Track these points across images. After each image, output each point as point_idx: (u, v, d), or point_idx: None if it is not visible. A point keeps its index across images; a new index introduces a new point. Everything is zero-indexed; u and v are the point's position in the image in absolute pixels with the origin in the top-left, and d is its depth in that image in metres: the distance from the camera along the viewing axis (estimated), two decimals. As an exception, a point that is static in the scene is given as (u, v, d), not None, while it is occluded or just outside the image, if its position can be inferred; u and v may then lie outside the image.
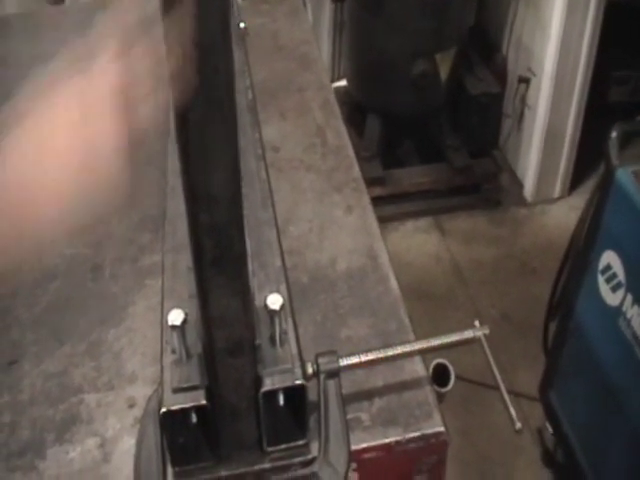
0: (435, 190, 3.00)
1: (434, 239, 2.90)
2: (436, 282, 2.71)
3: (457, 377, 2.12)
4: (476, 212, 3.00)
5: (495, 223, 2.97)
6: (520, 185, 3.08)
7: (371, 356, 0.88)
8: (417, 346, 0.90)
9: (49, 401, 0.95)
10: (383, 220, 2.82)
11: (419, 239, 2.90)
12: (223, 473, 0.80)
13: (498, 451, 2.16)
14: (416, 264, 2.77)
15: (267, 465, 0.82)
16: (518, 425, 0.83)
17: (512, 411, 0.83)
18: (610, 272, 1.59)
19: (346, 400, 0.88)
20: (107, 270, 1.14)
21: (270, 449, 0.82)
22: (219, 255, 0.72)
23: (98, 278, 1.12)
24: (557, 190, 3.03)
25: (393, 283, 1.11)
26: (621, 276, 1.55)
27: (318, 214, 1.24)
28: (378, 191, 2.85)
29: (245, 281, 0.77)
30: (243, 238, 0.74)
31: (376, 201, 2.71)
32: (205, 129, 0.65)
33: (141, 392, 0.93)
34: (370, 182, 2.81)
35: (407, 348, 0.89)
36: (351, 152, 1.39)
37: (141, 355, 1.00)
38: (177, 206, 0.94)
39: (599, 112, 2.77)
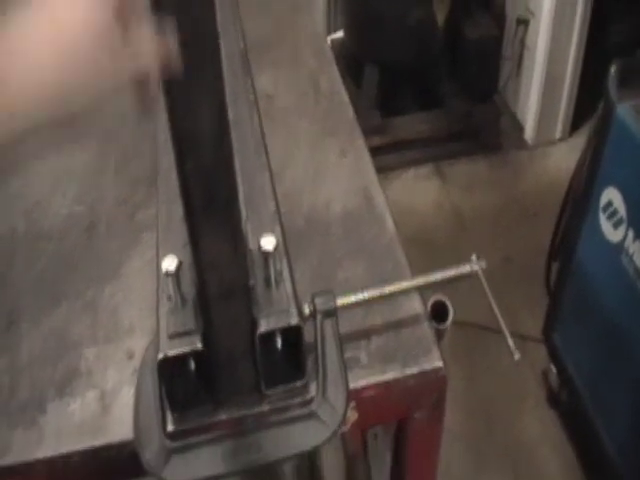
0: (435, 137, 2.97)
1: (435, 186, 2.88)
2: (438, 229, 2.70)
3: (459, 322, 2.14)
4: (477, 157, 2.98)
5: (496, 167, 2.94)
6: (520, 128, 3.05)
7: (368, 294, 0.87)
8: (414, 282, 0.89)
9: (48, 360, 0.94)
10: (383, 169, 2.83)
11: (420, 187, 2.88)
12: (222, 417, 0.80)
13: (503, 394, 2.17)
14: (417, 212, 2.76)
15: (266, 407, 0.81)
16: (517, 355, 0.82)
17: (510, 341, 0.83)
18: (611, 209, 1.58)
19: (344, 339, 0.87)
20: (102, 227, 1.13)
21: (268, 391, 0.81)
22: (209, 200, 0.71)
23: (93, 236, 1.12)
24: (558, 132, 3.00)
25: (389, 224, 1.09)
26: (622, 212, 1.54)
27: (312, 159, 1.23)
28: (377, 140, 2.82)
29: (237, 224, 0.76)
30: (233, 182, 0.73)
31: (376, 150, 2.70)
32: (189, 70, 0.63)
33: (139, 343, 0.92)
34: (369, 131, 2.79)
35: (404, 285, 0.88)
36: (345, 97, 1.37)
37: (138, 309, 0.99)
38: (170, 159, 0.93)
39: (599, 52, 2.72)
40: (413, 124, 2.96)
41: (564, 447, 2.04)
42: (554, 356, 1.97)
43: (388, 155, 2.90)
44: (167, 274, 0.78)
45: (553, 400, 2.10)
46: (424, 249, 2.53)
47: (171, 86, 0.63)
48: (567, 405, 2.01)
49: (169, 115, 0.65)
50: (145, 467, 0.74)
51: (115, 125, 1.30)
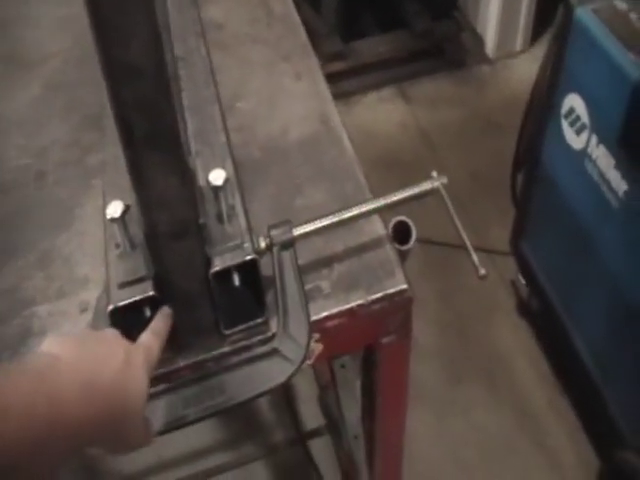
0: (397, 58, 2.91)
1: (399, 107, 2.84)
2: (404, 149, 2.67)
3: (428, 241, 2.13)
4: (439, 75, 2.93)
5: (459, 84, 2.90)
6: (482, 43, 2.99)
7: (326, 221, 0.84)
8: (373, 205, 0.86)
9: (1, 319, 0.91)
10: (346, 94, 2.79)
11: (384, 109, 2.84)
12: (182, 363, 0.78)
13: (475, 309, 2.19)
14: (382, 134, 2.72)
15: (226, 348, 0.79)
16: (482, 271, 0.80)
17: (474, 257, 0.81)
18: (574, 115, 1.55)
19: (305, 270, 0.85)
20: (51, 176, 1.08)
21: (228, 332, 0.79)
22: (150, 131, 0.67)
23: (43, 186, 1.07)
24: (519, 43, 2.96)
25: (347, 145, 1.06)
26: (585, 118, 1.52)
27: (267, 85, 1.19)
28: (339, 66, 2.77)
29: (182, 157, 0.72)
30: (174, 111, 0.69)
31: (338, 76, 2.69)
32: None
33: (93, 295, 0.89)
34: (330, 57, 2.76)
35: (363, 208, 0.85)
36: (297, 19, 1.32)
37: (91, 257, 0.95)
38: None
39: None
40: (374, 47, 2.89)
41: (537, 355, 2.08)
42: (522, 266, 1.98)
43: (350, 80, 2.85)
44: (112, 220, 0.74)
45: (523, 309, 2.12)
46: (391, 171, 2.51)
47: (101, 11, 0.58)
48: (537, 313, 2.03)
49: (98, 43, 0.61)
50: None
51: (60, 68, 1.25)
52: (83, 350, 0.64)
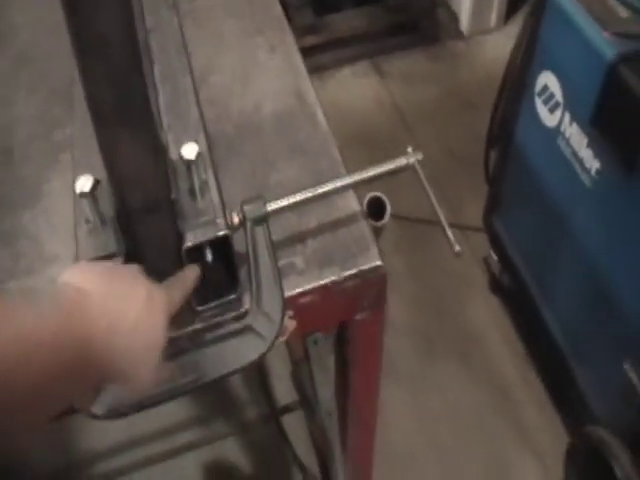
0: (371, 32, 2.89)
1: (373, 82, 2.83)
2: (378, 126, 2.66)
3: (402, 217, 2.13)
4: (414, 50, 2.92)
5: (433, 60, 2.89)
6: (456, 19, 2.99)
7: (299, 196, 0.83)
8: (348, 180, 0.85)
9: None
10: (319, 69, 2.76)
11: (358, 84, 2.82)
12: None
13: (449, 286, 2.20)
14: (357, 110, 2.71)
15: (199, 325, 0.78)
16: (457, 247, 0.80)
17: (449, 233, 0.81)
18: (547, 93, 1.55)
19: (279, 246, 0.84)
20: (18, 152, 1.06)
21: (200, 308, 0.78)
22: (119, 105, 0.66)
23: (8, 162, 1.04)
24: (493, 20, 2.95)
25: (321, 120, 1.05)
26: (558, 96, 1.52)
27: (240, 59, 1.17)
28: (312, 40, 2.74)
29: (153, 132, 0.71)
30: (145, 85, 0.68)
31: (311, 50, 2.66)
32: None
33: (63, 271, 0.88)
34: (303, 31, 2.73)
35: (337, 183, 0.85)
36: (272, -9, 1.30)
37: (61, 233, 0.93)
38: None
39: None
40: (348, 21, 2.87)
41: (509, 331, 2.10)
42: (494, 242, 1.99)
43: (324, 54, 2.82)
44: (82, 195, 0.73)
45: (495, 285, 2.14)
46: (365, 146, 2.50)
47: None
48: (509, 289, 2.05)
49: (66, 13, 0.60)
50: (74, 404, 0.71)
51: (29, 41, 1.22)
52: (111, 287, 0.65)
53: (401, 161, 0.86)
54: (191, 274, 0.75)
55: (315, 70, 2.72)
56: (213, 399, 1.93)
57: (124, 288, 0.66)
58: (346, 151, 1.03)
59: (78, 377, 0.59)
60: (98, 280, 0.65)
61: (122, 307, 0.64)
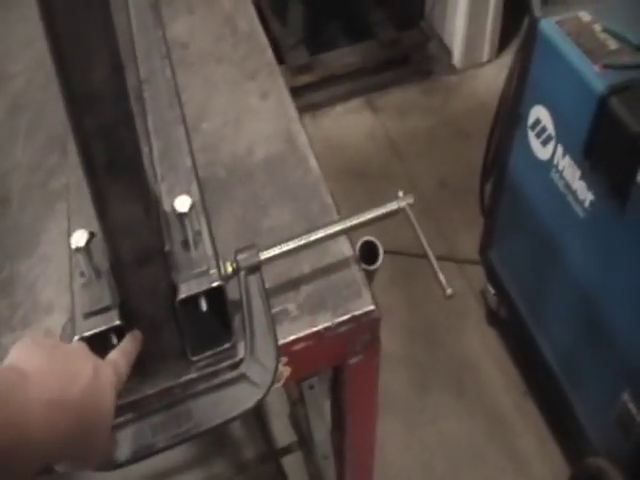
0: (364, 69, 2.91)
1: (367, 118, 2.85)
2: (372, 160, 2.68)
3: (397, 252, 2.13)
4: (407, 85, 2.95)
5: (426, 93, 2.92)
6: (449, 53, 3.02)
7: (292, 244, 0.84)
8: (340, 226, 0.86)
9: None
10: (314, 107, 2.79)
11: (352, 120, 2.85)
12: (149, 391, 0.77)
13: (444, 318, 2.20)
14: (350, 145, 2.73)
15: (194, 375, 0.79)
16: (449, 291, 0.81)
17: (441, 277, 0.81)
18: (540, 126, 1.57)
19: (271, 292, 0.85)
20: (15, 200, 1.07)
21: (195, 358, 0.79)
22: (111, 159, 0.67)
23: (6, 211, 1.05)
24: (485, 53, 2.98)
25: (313, 164, 1.06)
26: (550, 129, 1.53)
27: (232, 105, 1.18)
28: (306, 78, 2.76)
29: (145, 185, 0.72)
30: (136, 140, 0.69)
31: (305, 88, 2.68)
32: (75, 21, 0.58)
33: (58, 322, 0.88)
34: (297, 70, 2.76)
35: (329, 230, 0.86)
36: (263, 37, 1.32)
37: (56, 283, 0.94)
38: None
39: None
40: (341, 58, 2.90)
41: (506, 363, 2.10)
42: (491, 275, 2.00)
43: (317, 92, 2.84)
44: (77, 250, 0.74)
45: (492, 318, 2.14)
46: (359, 181, 2.52)
47: (60, 41, 0.58)
48: (506, 322, 2.05)
49: (58, 72, 0.61)
50: None
51: (23, 89, 1.23)
52: (52, 365, 0.63)
53: (392, 205, 0.87)
54: (131, 343, 0.75)
55: (309, 108, 2.75)
56: (210, 440, 1.92)
57: (68, 365, 0.64)
58: (339, 186, 1.04)
59: (16, 462, 0.56)
60: (41, 359, 0.63)
61: (64, 385, 0.62)
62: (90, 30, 0.59)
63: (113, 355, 0.72)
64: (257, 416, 1.79)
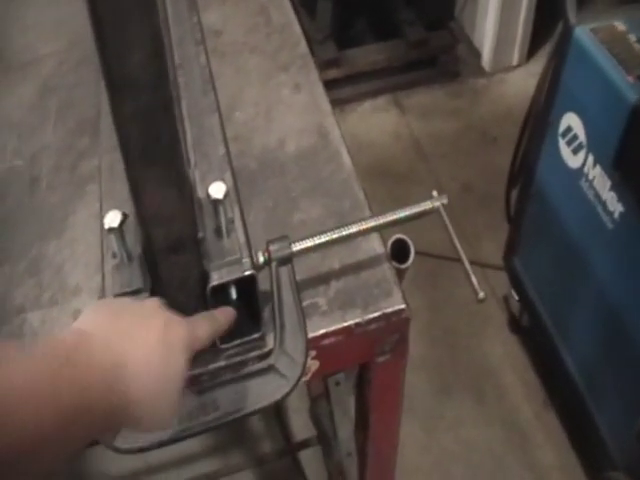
0: (392, 67, 2.91)
1: (393, 117, 2.85)
2: (397, 159, 2.67)
3: (422, 253, 2.13)
4: (434, 86, 2.94)
5: (454, 95, 2.91)
6: (478, 55, 3.01)
7: (324, 238, 0.83)
8: (372, 223, 0.85)
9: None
10: (340, 102, 2.78)
11: (378, 118, 2.84)
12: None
13: (466, 322, 2.19)
14: (376, 143, 2.72)
15: (222, 363, 0.78)
16: (481, 294, 0.80)
17: (474, 280, 0.80)
18: (571, 134, 1.56)
19: (302, 286, 0.84)
20: (44, 181, 1.07)
21: (224, 346, 0.78)
22: (148, 144, 0.66)
23: (35, 191, 1.06)
24: (515, 58, 2.97)
25: (345, 159, 1.05)
26: (582, 137, 1.52)
27: (265, 96, 1.18)
28: (334, 73, 2.78)
29: (180, 171, 0.71)
30: (173, 124, 0.68)
31: (332, 83, 2.68)
32: (117, 4, 0.57)
33: (86, 304, 0.88)
34: (325, 64, 2.76)
35: (362, 226, 0.85)
36: (297, 29, 1.31)
37: (84, 266, 0.94)
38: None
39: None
40: (369, 55, 2.90)
41: (527, 370, 2.08)
42: (515, 282, 1.98)
43: (344, 87, 2.85)
44: (110, 230, 0.73)
45: (515, 325, 2.12)
46: (384, 180, 2.51)
47: (103, 24, 0.57)
48: (529, 329, 2.04)
49: (101, 56, 0.60)
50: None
51: (55, 70, 1.23)
52: (117, 325, 0.61)
53: (426, 205, 0.86)
54: (224, 315, 0.73)
55: (336, 103, 2.74)
56: (229, 431, 1.93)
57: (134, 324, 0.62)
58: (364, 183, 1.03)
59: (80, 426, 0.54)
60: (106, 319, 0.62)
61: (129, 346, 0.60)
62: (132, 14, 0.58)
63: (197, 317, 0.70)
64: (276, 409, 1.79)
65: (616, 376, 1.58)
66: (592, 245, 1.56)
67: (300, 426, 1.89)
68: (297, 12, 1.38)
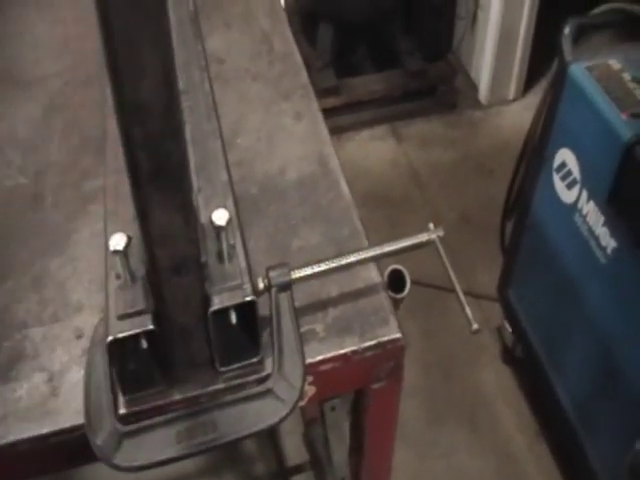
0: (390, 96, 2.95)
1: (390, 146, 2.88)
2: (394, 188, 2.70)
3: (417, 282, 2.15)
4: (432, 116, 2.98)
5: (451, 126, 2.94)
6: (475, 87, 3.05)
7: (323, 266, 0.85)
8: (371, 253, 0.87)
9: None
10: (339, 130, 2.81)
11: (375, 147, 2.87)
12: (176, 397, 0.78)
13: (460, 351, 2.20)
14: (373, 171, 2.75)
15: (221, 385, 0.80)
16: (475, 326, 0.81)
17: (468, 312, 0.82)
18: (565, 169, 1.58)
19: (300, 312, 0.85)
20: (48, 199, 1.08)
21: (223, 369, 0.80)
22: (156, 169, 0.68)
23: (39, 208, 1.07)
24: (512, 91, 3.01)
25: (344, 188, 1.07)
26: (576, 173, 1.54)
27: (266, 123, 1.20)
28: (332, 101, 2.81)
29: (186, 196, 0.73)
30: (182, 150, 0.70)
31: (331, 111, 2.72)
32: (131, 32, 0.59)
33: (88, 321, 0.89)
34: (324, 92, 2.79)
35: (360, 255, 0.87)
36: (299, 58, 1.34)
37: (87, 283, 0.95)
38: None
39: (553, 11, 2.72)
40: (368, 84, 2.93)
41: (520, 401, 2.09)
42: (508, 313, 2.00)
43: (343, 116, 2.89)
44: (115, 252, 0.75)
45: (508, 356, 2.14)
46: (380, 207, 2.54)
47: (115, 50, 0.59)
48: (522, 360, 2.05)
49: (112, 80, 0.62)
50: (96, 453, 0.72)
51: (60, 89, 1.25)
52: None
53: (422, 237, 0.88)
54: None
55: (335, 131, 2.74)
56: (222, 452, 1.92)
57: None
58: (362, 209, 1.05)
59: None
60: None
61: None
62: (145, 42, 0.60)
63: None
64: (269, 433, 1.79)
65: (608, 409, 1.59)
66: (585, 279, 1.58)
67: (293, 449, 1.89)
68: (297, 39, 1.40)
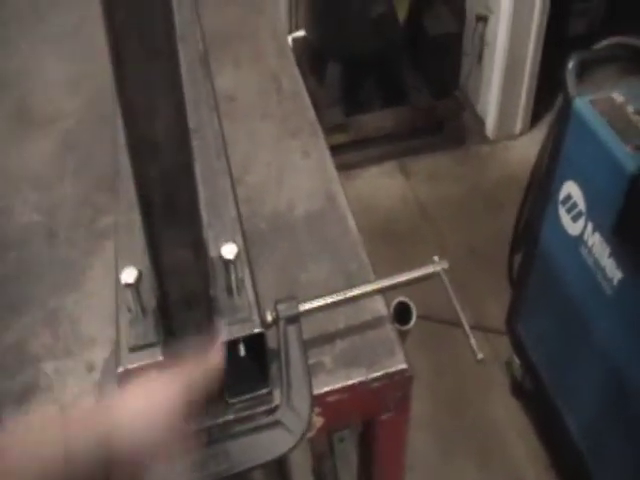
0: (398, 133, 2.97)
1: (399, 182, 2.90)
2: (402, 223, 2.71)
3: (427, 318, 2.15)
4: (439, 152, 3.00)
5: (459, 162, 2.97)
6: (482, 123, 3.07)
7: (330, 299, 0.87)
8: (377, 285, 0.89)
9: (6, 373, 0.93)
10: (347, 167, 2.84)
11: (384, 183, 2.89)
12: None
13: (469, 385, 2.19)
14: (382, 207, 2.77)
15: (231, 416, 0.81)
16: (480, 355, 0.83)
17: (473, 341, 0.83)
18: (571, 202, 1.59)
19: (308, 344, 0.87)
20: (63, 235, 1.11)
21: (233, 400, 0.81)
22: (167, 205, 0.70)
23: (54, 244, 1.10)
24: (518, 126, 3.03)
25: (351, 223, 1.10)
26: (581, 205, 1.56)
27: (275, 160, 1.23)
28: (341, 138, 2.83)
29: (196, 231, 0.75)
30: (192, 187, 0.72)
31: (339, 148, 2.74)
32: (144, 76, 0.62)
33: (100, 355, 0.91)
34: (332, 129, 2.82)
35: (367, 288, 0.89)
36: (306, 97, 1.37)
37: (100, 318, 0.98)
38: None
39: (558, 47, 2.76)
40: (376, 121, 2.96)
41: (530, 434, 2.08)
42: (517, 346, 2.00)
43: (351, 152, 2.90)
44: (126, 286, 0.77)
45: (517, 389, 2.13)
46: (389, 242, 2.55)
47: (127, 90, 0.62)
48: (531, 393, 2.04)
49: (125, 120, 0.64)
50: None
51: (74, 127, 1.28)
52: None
53: (427, 269, 0.90)
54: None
55: (343, 167, 2.77)
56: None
57: None
58: (370, 244, 1.07)
59: None
60: None
61: None
62: (159, 85, 0.63)
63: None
64: (278, 465, 1.78)
65: (618, 440, 1.58)
66: (592, 311, 1.58)
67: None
68: (305, 77, 1.43)
